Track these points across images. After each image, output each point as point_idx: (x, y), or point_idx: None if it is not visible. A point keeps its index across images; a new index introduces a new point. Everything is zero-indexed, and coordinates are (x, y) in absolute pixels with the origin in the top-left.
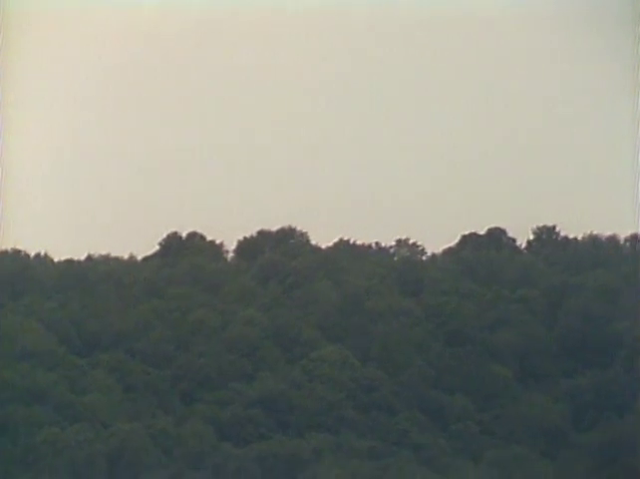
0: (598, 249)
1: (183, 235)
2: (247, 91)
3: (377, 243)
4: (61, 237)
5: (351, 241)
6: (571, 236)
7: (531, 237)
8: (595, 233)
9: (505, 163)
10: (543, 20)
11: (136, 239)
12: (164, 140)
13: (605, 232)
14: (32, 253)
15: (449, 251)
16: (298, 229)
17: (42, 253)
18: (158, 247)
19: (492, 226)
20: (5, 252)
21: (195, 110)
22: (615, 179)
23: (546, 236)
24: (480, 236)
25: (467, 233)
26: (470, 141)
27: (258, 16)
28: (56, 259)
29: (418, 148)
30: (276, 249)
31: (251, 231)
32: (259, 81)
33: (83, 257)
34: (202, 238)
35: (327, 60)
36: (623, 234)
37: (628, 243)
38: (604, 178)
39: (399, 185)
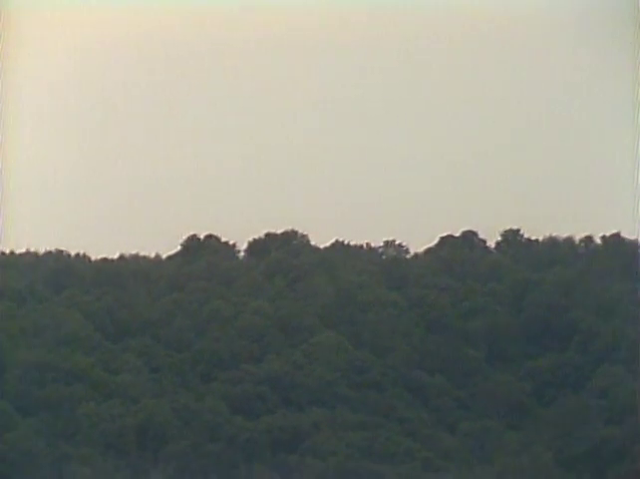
0: (556, 249)
1: (201, 236)
2: (252, 99)
3: (367, 244)
4: (97, 238)
5: (345, 243)
6: (533, 237)
7: (499, 238)
8: (554, 234)
9: (476, 175)
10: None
11: (160, 241)
12: (185, 152)
13: (563, 233)
14: (72, 253)
15: (429, 251)
16: (300, 231)
17: (81, 253)
18: (179, 248)
19: (466, 229)
20: (50, 253)
21: (207, 124)
22: (580, 184)
23: (512, 237)
24: (455, 237)
25: (444, 234)
26: (448, 154)
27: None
28: (93, 258)
29: (403, 160)
30: (281, 249)
31: (259, 233)
32: (263, 89)
33: (116, 256)
34: (217, 239)
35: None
36: (579, 235)
37: (583, 244)
38: (568, 184)
39: (386, 193)
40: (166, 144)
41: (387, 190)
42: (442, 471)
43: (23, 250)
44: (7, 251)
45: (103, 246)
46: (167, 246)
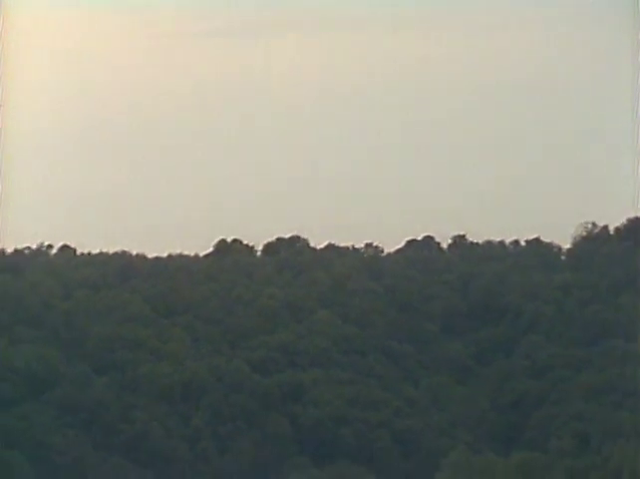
0: (492, 249)
1: (229, 240)
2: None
3: (352, 246)
4: (152, 242)
5: (336, 244)
6: (475, 241)
7: (450, 241)
8: (490, 238)
9: (433, 196)
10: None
11: (198, 243)
12: (217, 176)
13: (497, 237)
14: (134, 253)
15: (399, 251)
16: (302, 236)
17: (140, 253)
18: (212, 249)
19: (426, 234)
20: (117, 253)
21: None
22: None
23: (459, 241)
24: (418, 240)
25: (409, 239)
26: (411, 179)
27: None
28: (149, 256)
29: (380, 183)
30: (288, 250)
31: (272, 237)
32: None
33: (165, 255)
34: (240, 242)
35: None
36: (508, 239)
37: (511, 245)
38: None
39: (367, 208)
40: (202, 169)
41: (367, 205)
42: (408, 416)
43: (97, 251)
44: (85, 252)
45: (156, 248)
46: (203, 247)
